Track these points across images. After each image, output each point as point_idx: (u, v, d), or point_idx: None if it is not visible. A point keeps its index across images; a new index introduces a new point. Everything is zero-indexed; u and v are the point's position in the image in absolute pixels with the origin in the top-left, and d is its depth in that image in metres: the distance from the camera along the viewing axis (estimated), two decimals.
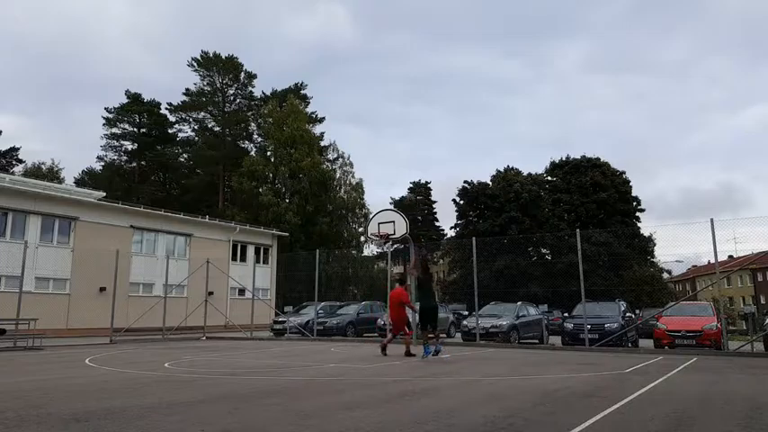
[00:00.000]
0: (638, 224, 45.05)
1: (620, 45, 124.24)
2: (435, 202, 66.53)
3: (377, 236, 16.46)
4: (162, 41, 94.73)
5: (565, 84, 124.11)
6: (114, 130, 57.85)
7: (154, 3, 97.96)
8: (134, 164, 58.61)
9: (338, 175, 50.90)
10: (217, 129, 58.80)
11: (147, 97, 58.07)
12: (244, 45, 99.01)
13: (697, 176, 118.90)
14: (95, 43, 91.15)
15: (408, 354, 12.30)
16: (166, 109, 58.06)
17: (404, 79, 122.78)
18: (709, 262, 40.92)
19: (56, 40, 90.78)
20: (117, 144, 58.54)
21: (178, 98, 58.35)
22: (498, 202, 43.81)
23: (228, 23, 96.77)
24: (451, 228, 50.71)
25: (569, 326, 16.67)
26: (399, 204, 57.69)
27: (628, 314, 18.00)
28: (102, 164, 58.23)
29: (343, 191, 50.32)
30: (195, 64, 55.92)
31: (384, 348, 12.67)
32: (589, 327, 15.36)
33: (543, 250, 43.75)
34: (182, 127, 59.87)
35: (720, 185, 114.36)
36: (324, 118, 57.11)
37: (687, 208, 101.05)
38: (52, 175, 53.62)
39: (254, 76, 57.90)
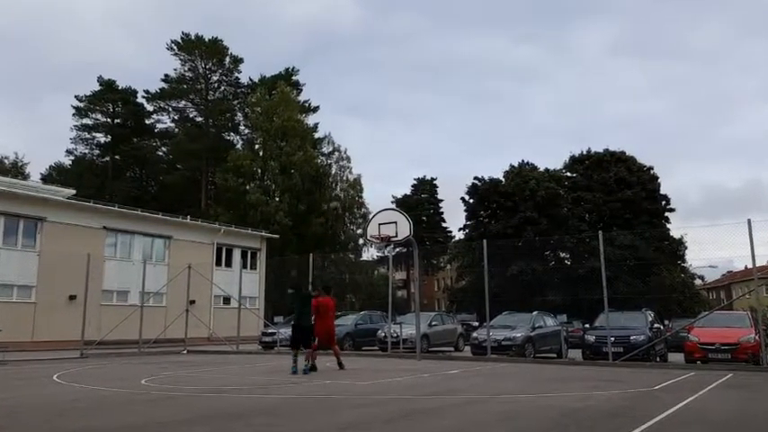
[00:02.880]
0: (668, 225, 45.03)
1: (647, 28, 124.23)
2: (442, 200, 66.52)
3: (377, 238, 16.47)
4: (140, 23, 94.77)
5: (586, 70, 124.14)
6: (85, 120, 57.88)
7: None
8: (107, 158, 58.64)
9: (334, 171, 50.97)
10: (199, 119, 58.83)
11: (122, 84, 58.15)
12: (232, 28, 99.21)
13: (724, 173, 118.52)
14: (65, 25, 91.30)
15: (314, 368, 12.77)
16: (143, 97, 58.11)
17: (409, 66, 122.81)
18: (746, 267, 40.89)
19: (21, 22, 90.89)
20: (88, 136, 58.59)
21: (156, 85, 58.42)
22: (512, 201, 43.76)
23: (215, 4, 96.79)
24: (460, 229, 50.68)
25: (591, 338, 16.68)
26: (402, 203, 57.75)
27: (656, 325, 17.99)
28: (72, 158, 58.31)
29: (339, 188, 50.36)
30: (175, 47, 55.93)
31: (340, 365, 13.21)
32: (613, 339, 15.35)
33: (562, 254, 43.72)
34: (160, 117, 59.92)
35: (750, 183, 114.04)
36: (318, 107, 57.18)
37: (712, 208, 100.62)
38: (16, 170, 53.73)
39: (241, 61, 57.96)
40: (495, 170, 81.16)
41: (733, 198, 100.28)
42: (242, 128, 58.92)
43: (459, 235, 52.71)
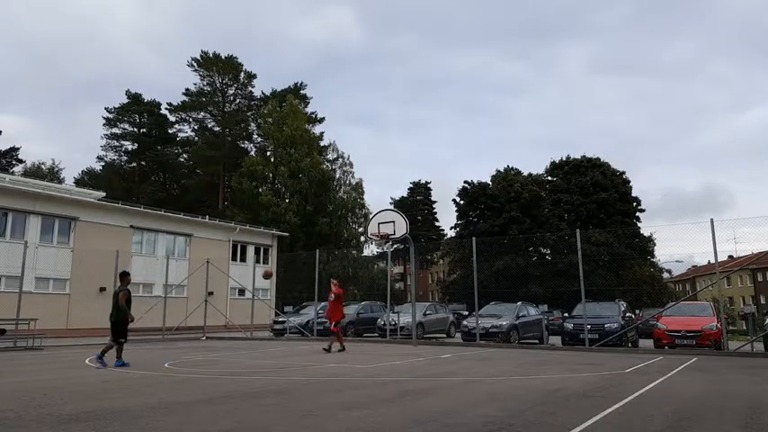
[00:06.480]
0: (638, 224, 45.06)
1: (624, 47, 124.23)
2: (435, 202, 66.67)
3: (377, 236, 16.45)
4: (165, 42, 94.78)
5: (568, 85, 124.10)
6: (114, 130, 57.88)
7: (159, 4, 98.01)
8: (134, 164, 58.59)
9: (338, 175, 50.86)
10: (217, 129, 58.78)
11: (147, 97, 58.15)
12: (249, 48, 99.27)
13: (682, 177, 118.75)
14: (97, 43, 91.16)
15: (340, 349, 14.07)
16: (166, 109, 58.12)
17: (407, 81, 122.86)
18: (709, 262, 40.90)
19: (57, 40, 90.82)
20: (117, 144, 58.61)
21: (178, 98, 58.43)
22: (498, 202, 43.78)
23: (234, 26, 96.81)
24: (452, 228, 50.75)
25: (569, 326, 16.67)
26: (399, 204, 57.77)
27: (628, 314, 17.99)
28: (103, 164, 58.30)
29: (342, 191, 50.31)
30: (195, 64, 55.90)
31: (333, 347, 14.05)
32: (589, 327, 15.36)
33: (543, 250, 43.72)
34: (182, 127, 59.96)
35: (706, 187, 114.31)
36: (323, 118, 57.18)
37: (674, 209, 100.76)
38: (52, 175, 53.64)
39: (254, 76, 57.93)
40: (484, 174, 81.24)
41: (689, 200, 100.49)
42: (255, 136, 58.91)
43: (450, 233, 52.80)
